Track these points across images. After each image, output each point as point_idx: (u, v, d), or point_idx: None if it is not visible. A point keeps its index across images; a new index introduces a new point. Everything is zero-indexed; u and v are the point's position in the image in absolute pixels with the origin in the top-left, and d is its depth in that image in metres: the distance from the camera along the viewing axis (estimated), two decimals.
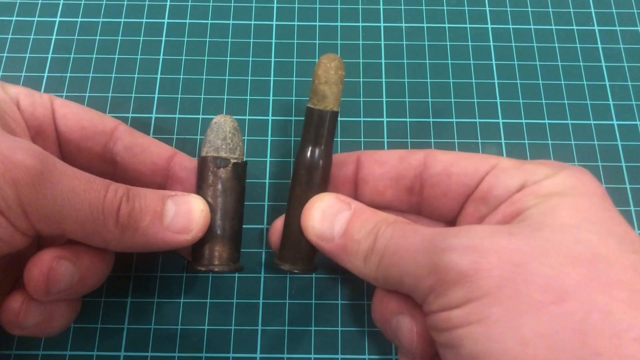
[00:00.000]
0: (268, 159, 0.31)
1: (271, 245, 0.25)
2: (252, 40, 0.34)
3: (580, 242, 0.17)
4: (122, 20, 0.34)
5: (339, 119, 0.32)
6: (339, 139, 0.31)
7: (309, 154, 0.23)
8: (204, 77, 0.33)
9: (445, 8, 0.35)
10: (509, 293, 0.16)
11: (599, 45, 0.34)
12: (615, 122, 0.32)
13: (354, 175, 0.24)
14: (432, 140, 0.31)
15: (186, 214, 0.22)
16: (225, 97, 0.32)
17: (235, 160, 0.24)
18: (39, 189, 0.19)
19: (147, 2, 0.35)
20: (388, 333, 0.22)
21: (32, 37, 0.34)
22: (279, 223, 0.24)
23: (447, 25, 0.35)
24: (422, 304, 0.19)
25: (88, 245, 0.22)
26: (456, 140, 0.31)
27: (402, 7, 0.35)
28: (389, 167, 0.24)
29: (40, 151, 0.20)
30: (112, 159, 0.25)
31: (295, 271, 0.23)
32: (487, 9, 0.35)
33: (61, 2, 0.35)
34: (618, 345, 0.15)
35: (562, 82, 0.33)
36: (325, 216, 0.22)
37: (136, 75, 0.33)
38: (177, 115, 0.32)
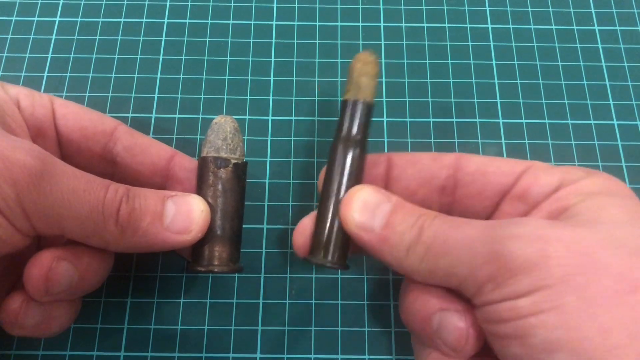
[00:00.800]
0: (268, 159, 0.31)
1: (296, 246, 0.23)
2: (252, 40, 0.34)
3: (638, 237, 0.17)
4: (122, 20, 0.34)
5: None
6: None
7: (346, 143, 0.22)
8: (204, 77, 0.33)
9: (445, 8, 0.35)
10: (582, 281, 0.16)
11: (599, 45, 0.34)
12: (615, 122, 0.32)
13: (385, 174, 0.24)
14: (432, 140, 0.31)
15: (186, 214, 0.22)
16: (225, 97, 0.32)
17: (236, 161, 0.24)
18: (39, 189, 0.19)
19: (147, 2, 0.35)
20: (425, 332, 0.21)
21: (32, 37, 0.34)
22: (307, 222, 0.23)
23: (447, 25, 0.35)
24: (475, 295, 0.18)
25: (88, 245, 0.22)
26: (456, 140, 0.31)
27: (402, 7, 0.35)
28: (422, 166, 0.24)
29: (41, 151, 0.20)
30: (112, 159, 0.25)
31: (328, 265, 0.22)
32: (487, 9, 0.35)
33: (61, 2, 0.35)
34: None
35: (562, 82, 0.33)
36: (367, 207, 0.21)
37: (136, 75, 0.33)
38: (177, 115, 0.32)
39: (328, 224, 0.22)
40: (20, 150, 0.19)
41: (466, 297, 0.20)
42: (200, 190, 0.24)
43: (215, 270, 0.23)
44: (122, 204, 0.21)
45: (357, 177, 0.23)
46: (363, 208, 0.21)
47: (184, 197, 0.23)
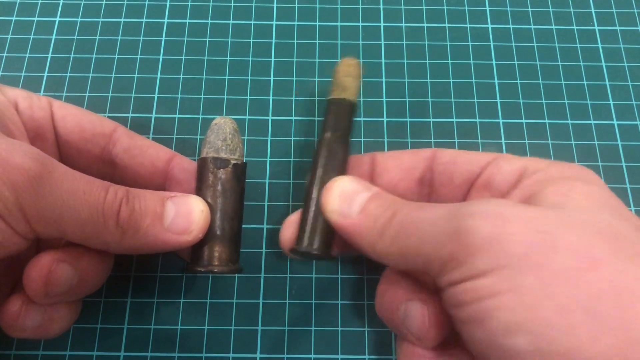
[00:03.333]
0: (268, 159, 0.31)
1: (283, 241, 0.24)
2: (252, 40, 0.34)
3: (601, 221, 0.17)
4: (122, 20, 0.34)
5: None
6: None
7: (330, 138, 0.24)
8: (204, 77, 0.33)
9: (445, 8, 0.35)
10: (539, 260, 0.16)
11: (599, 45, 0.34)
12: (615, 122, 0.32)
13: (370, 172, 0.25)
14: (432, 140, 0.31)
15: (186, 214, 0.22)
16: (225, 97, 0.32)
17: (235, 161, 0.24)
18: (38, 192, 0.19)
19: (147, 2, 0.35)
20: (394, 322, 0.22)
21: (31, 37, 0.34)
22: (294, 218, 0.24)
23: (447, 25, 0.35)
24: (439, 275, 0.18)
25: (87, 247, 0.22)
26: (456, 140, 0.31)
27: (402, 7, 0.35)
28: (402, 159, 0.25)
29: (39, 153, 0.20)
30: (112, 161, 0.25)
31: (314, 252, 0.23)
32: (487, 9, 0.35)
33: (61, 2, 0.35)
34: None
35: (562, 82, 0.33)
36: (345, 195, 0.22)
37: (136, 75, 0.33)
38: (177, 115, 0.32)
39: (311, 214, 0.23)
40: (19, 153, 0.19)
41: (433, 284, 0.20)
42: (199, 190, 0.24)
43: (215, 270, 0.23)
44: (123, 205, 0.21)
45: (339, 170, 0.24)
46: (342, 196, 0.22)
47: (183, 198, 0.23)
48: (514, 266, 0.16)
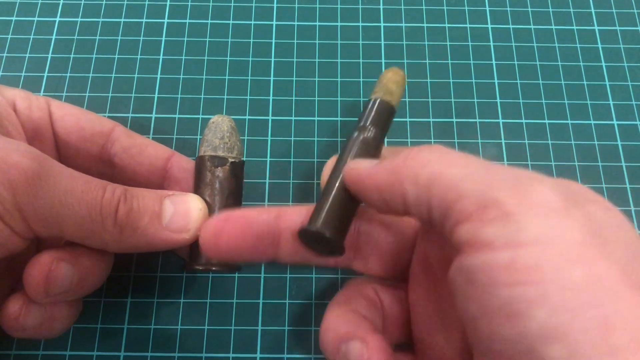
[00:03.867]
0: (268, 159, 0.31)
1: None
2: (252, 40, 0.34)
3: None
4: (122, 20, 0.34)
5: (339, 119, 0.32)
6: (338, 139, 0.31)
7: (368, 131, 0.23)
8: (204, 77, 0.33)
9: (445, 8, 0.35)
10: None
11: (599, 45, 0.34)
12: (615, 122, 0.32)
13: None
14: (432, 140, 0.31)
15: (184, 213, 0.22)
16: (225, 97, 0.32)
17: (233, 159, 0.24)
18: (35, 191, 0.19)
19: (147, 2, 0.35)
20: None
21: (32, 37, 0.34)
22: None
23: (447, 25, 0.35)
24: (469, 230, 0.16)
25: (87, 246, 0.22)
26: (456, 140, 0.31)
27: (402, 7, 0.35)
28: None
29: (37, 152, 0.20)
30: (110, 160, 0.25)
31: (327, 234, 0.21)
32: (487, 9, 0.35)
33: (61, 2, 0.35)
34: None
35: (562, 82, 0.33)
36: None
37: (136, 75, 0.33)
38: (177, 115, 0.32)
39: (332, 197, 0.21)
40: (16, 152, 0.19)
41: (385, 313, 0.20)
42: (197, 189, 0.24)
43: (214, 268, 0.23)
44: (120, 204, 0.21)
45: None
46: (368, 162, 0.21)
47: (181, 196, 0.23)
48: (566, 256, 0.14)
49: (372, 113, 0.23)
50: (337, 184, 0.22)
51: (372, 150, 0.23)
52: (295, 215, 0.22)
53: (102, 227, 0.20)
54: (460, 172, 0.17)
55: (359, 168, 0.20)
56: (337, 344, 0.20)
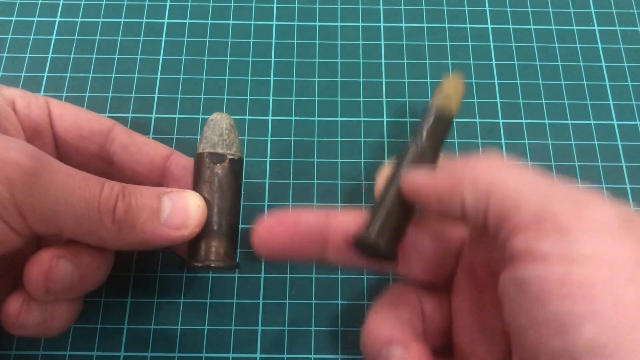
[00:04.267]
0: (268, 159, 0.31)
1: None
2: (252, 40, 0.34)
3: None
4: (122, 20, 0.34)
5: (339, 119, 0.32)
6: (338, 139, 0.31)
7: (425, 142, 0.23)
8: (204, 77, 0.33)
9: (445, 8, 0.35)
10: None
11: (599, 45, 0.34)
12: (615, 122, 0.32)
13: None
14: None
15: (182, 209, 0.22)
16: (225, 97, 0.32)
17: (232, 157, 0.24)
18: (33, 188, 0.19)
19: (147, 2, 0.35)
20: None
21: (32, 37, 0.34)
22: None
23: (447, 25, 0.35)
24: (526, 240, 0.16)
25: (87, 244, 0.22)
26: (456, 140, 0.31)
27: (402, 7, 0.35)
28: None
29: (34, 150, 0.19)
30: (109, 158, 0.25)
31: (381, 244, 0.21)
32: (487, 9, 0.35)
33: (61, 2, 0.35)
34: None
35: (562, 82, 0.33)
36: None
37: (136, 75, 0.33)
38: (177, 115, 0.32)
39: (386, 209, 0.22)
40: (14, 149, 0.19)
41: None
42: (196, 186, 0.24)
43: (212, 265, 0.23)
44: (119, 201, 0.21)
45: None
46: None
47: (179, 193, 0.23)
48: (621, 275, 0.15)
49: (431, 123, 0.24)
50: (393, 194, 0.22)
51: (429, 160, 0.23)
52: (344, 219, 0.23)
53: (100, 224, 0.20)
54: (520, 183, 0.17)
55: (417, 177, 0.21)
56: (378, 347, 0.21)
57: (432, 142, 0.23)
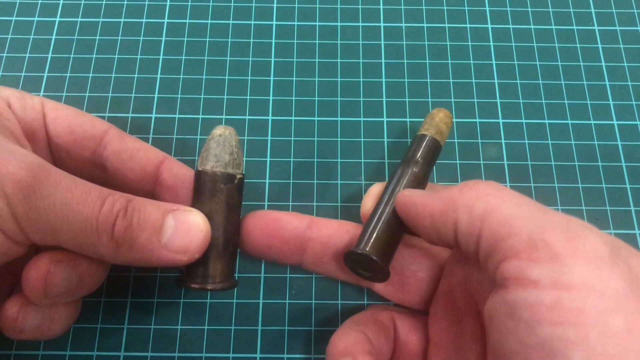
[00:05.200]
0: (268, 159, 0.31)
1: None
2: (252, 40, 0.34)
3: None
4: (122, 20, 0.34)
5: (339, 119, 0.32)
6: (338, 139, 0.31)
7: (417, 164, 0.24)
8: (204, 77, 0.33)
9: (445, 8, 0.35)
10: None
11: (599, 45, 0.34)
12: (615, 122, 0.32)
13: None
14: None
15: (185, 232, 0.22)
16: (225, 97, 0.32)
17: (240, 176, 0.23)
18: (31, 203, 0.19)
19: (147, 2, 0.35)
20: None
21: (32, 37, 0.34)
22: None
23: (447, 25, 0.35)
24: (516, 267, 0.17)
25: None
26: (456, 140, 0.31)
27: (402, 7, 0.35)
28: None
29: (33, 162, 0.19)
30: (102, 164, 0.25)
31: (374, 258, 0.22)
32: (487, 9, 0.35)
33: (61, 2, 0.35)
34: None
35: (562, 82, 0.33)
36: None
37: (136, 75, 0.33)
38: (177, 115, 0.32)
39: (379, 226, 0.23)
40: (12, 162, 0.19)
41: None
42: (202, 204, 0.23)
43: (209, 288, 0.23)
44: (119, 218, 0.20)
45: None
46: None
47: (185, 214, 0.22)
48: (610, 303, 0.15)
49: (423, 149, 0.25)
50: (386, 211, 0.23)
51: (420, 183, 0.24)
52: (326, 229, 0.24)
53: (98, 241, 0.20)
54: (515, 210, 0.18)
55: (413, 196, 0.22)
56: (334, 358, 0.22)
57: (423, 167, 0.25)
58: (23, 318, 0.21)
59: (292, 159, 0.31)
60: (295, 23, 0.35)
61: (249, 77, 0.33)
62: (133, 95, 0.32)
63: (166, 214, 0.21)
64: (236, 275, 0.28)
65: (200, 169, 0.23)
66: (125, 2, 0.35)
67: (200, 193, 0.23)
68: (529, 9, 0.35)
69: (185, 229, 0.22)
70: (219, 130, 0.23)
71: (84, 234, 0.20)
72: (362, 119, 0.32)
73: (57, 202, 0.19)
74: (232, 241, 0.23)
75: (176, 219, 0.22)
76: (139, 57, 0.33)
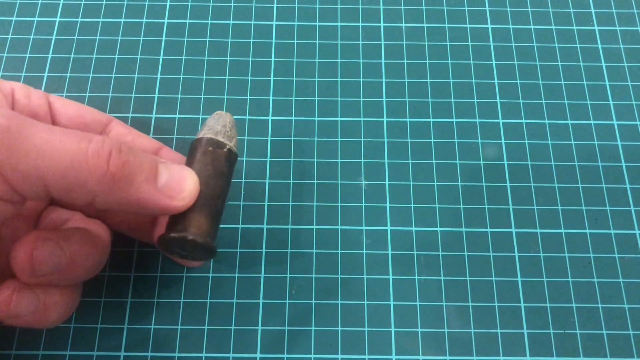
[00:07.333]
0: (268, 159, 0.31)
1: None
2: (252, 40, 0.34)
3: None
4: (122, 20, 0.34)
5: (339, 119, 0.32)
6: (339, 139, 0.31)
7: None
8: (204, 77, 0.33)
9: (445, 8, 0.35)
10: None
11: (599, 45, 0.34)
12: (615, 122, 0.32)
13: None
14: (432, 140, 0.31)
15: (179, 180, 0.22)
16: (225, 97, 0.32)
17: (230, 148, 0.24)
18: (10, 146, 0.18)
19: (147, 2, 0.35)
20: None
21: (32, 37, 0.34)
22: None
23: (447, 25, 0.35)
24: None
25: (78, 228, 0.22)
26: (456, 140, 0.31)
27: (402, 7, 0.35)
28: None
29: (9, 111, 0.19)
30: None
31: (190, 237, 0.22)
32: (487, 9, 0.35)
33: (61, 2, 0.35)
34: None
35: (562, 82, 0.33)
36: None
37: (136, 75, 0.33)
38: (177, 115, 0.32)
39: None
40: None
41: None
42: (191, 165, 0.24)
43: (190, 237, 0.22)
44: (113, 153, 0.20)
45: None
46: None
47: (176, 165, 0.23)
48: None
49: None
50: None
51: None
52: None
53: (89, 175, 0.19)
54: None
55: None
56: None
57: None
58: (16, 302, 0.21)
59: (292, 159, 0.31)
60: (295, 23, 0.35)
61: (249, 77, 0.33)
62: (133, 95, 0.32)
63: (158, 162, 0.22)
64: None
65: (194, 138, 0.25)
66: (126, 2, 0.35)
67: (191, 156, 0.24)
68: (529, 9, 0.35)
69: (178, 177, 0.22)
70: (217, 112, 0.25)
71: (72, 169, 0.19)
72: (362, 119, 0.32)
73: (37, 142, 0.18)
74: (216, 205, 0.23)
75: (168, 168, 0.22)
76: (139, 57, 0.33)
